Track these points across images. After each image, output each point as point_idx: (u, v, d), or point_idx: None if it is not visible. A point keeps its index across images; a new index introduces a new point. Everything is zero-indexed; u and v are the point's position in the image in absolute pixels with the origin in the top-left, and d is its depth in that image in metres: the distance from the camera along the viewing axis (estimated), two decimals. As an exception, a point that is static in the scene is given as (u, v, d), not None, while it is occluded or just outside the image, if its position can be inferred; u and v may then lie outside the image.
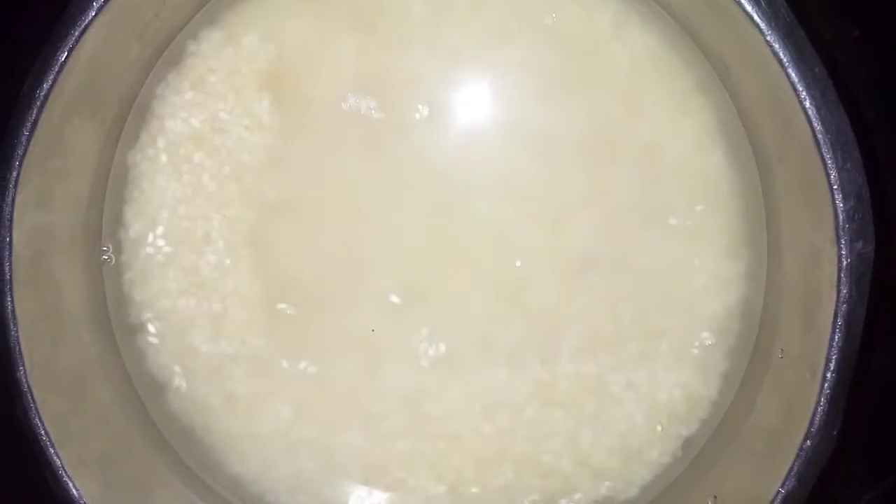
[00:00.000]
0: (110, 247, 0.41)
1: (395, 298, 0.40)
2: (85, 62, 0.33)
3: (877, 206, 0.30)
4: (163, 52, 0.39)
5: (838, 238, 0.30)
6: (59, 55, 0.31)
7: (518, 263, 0.40)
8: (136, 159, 0.40)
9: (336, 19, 0.39)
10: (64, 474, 0.35)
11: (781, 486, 0.32)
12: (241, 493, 0.42)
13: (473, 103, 0.40)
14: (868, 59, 0.42)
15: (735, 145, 0.38)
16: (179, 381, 0.41)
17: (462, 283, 0.40)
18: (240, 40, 0.40)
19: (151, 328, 0.41)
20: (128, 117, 0.40)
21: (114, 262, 0.41)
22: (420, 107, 0.40)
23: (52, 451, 0.35)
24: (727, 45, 0.35)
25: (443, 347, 0.40)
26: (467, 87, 0.40)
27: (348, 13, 0.39)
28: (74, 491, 0.35)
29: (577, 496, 0.41)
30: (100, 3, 0.31)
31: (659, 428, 0.40)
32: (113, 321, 0.41)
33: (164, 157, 0.40)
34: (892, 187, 0.39)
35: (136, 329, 0.41)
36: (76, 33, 0.31)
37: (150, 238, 0.41)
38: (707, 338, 0.40)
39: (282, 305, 0.41)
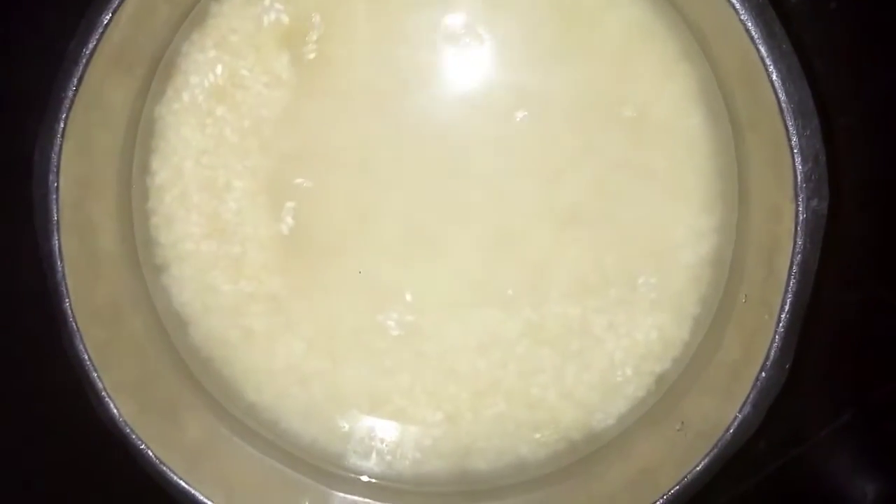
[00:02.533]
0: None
1: (398, 245, 0.42)
2: (124, 23, 0.35)
3: (832, 169, 0.32)
4: (189, 14, 0.40)
5: (797, 196, 0.32)
6: (104, 16, 0.33)
7: (513, 214, 0.42)
8: (162, 112, 0.42)
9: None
10: (106, 395, 0.37)
11: (738, 412, 0.35)
12: (258, 418, 0.44)
13: (476, 66, 0.41)
14: (840, 32, 0.44)
15: (713, 110, 0.40)
16: (200, 317, 0.43)
17: (462, 232, 0.42)
18: (260, 1, 0.40)
19: (176, 268, 0.43)
20: (156, 73, 0.41)
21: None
22: (426, 70, 0.41)
23: (94, 374, 0.37)
24: (706, 18, 0.36)
25: (442, 291, 0.42)
26: (472, 51, 0.40)
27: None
28: (115, 410, 0.37)
29: (561, 425, 0.43)
30: (140, -29, 0.33)
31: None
32: (142, 261, 0.43)
33: (188, 111, 0.41)
34: (845, 152, 0.41)
35: (162, 269, 0.43)
36: (118, -3, 0.33)
37: (175, 185, 0.42)
38: (681, 285, 0.42)
39: (296, 249, 0.42)
